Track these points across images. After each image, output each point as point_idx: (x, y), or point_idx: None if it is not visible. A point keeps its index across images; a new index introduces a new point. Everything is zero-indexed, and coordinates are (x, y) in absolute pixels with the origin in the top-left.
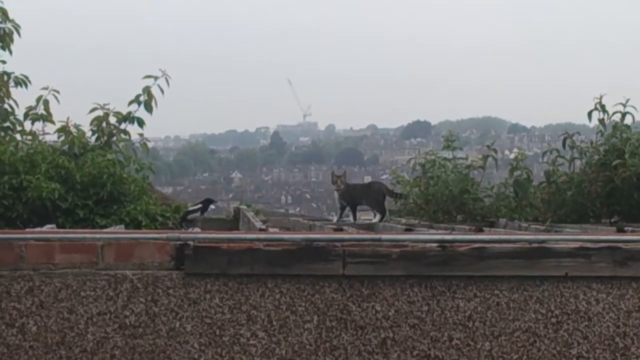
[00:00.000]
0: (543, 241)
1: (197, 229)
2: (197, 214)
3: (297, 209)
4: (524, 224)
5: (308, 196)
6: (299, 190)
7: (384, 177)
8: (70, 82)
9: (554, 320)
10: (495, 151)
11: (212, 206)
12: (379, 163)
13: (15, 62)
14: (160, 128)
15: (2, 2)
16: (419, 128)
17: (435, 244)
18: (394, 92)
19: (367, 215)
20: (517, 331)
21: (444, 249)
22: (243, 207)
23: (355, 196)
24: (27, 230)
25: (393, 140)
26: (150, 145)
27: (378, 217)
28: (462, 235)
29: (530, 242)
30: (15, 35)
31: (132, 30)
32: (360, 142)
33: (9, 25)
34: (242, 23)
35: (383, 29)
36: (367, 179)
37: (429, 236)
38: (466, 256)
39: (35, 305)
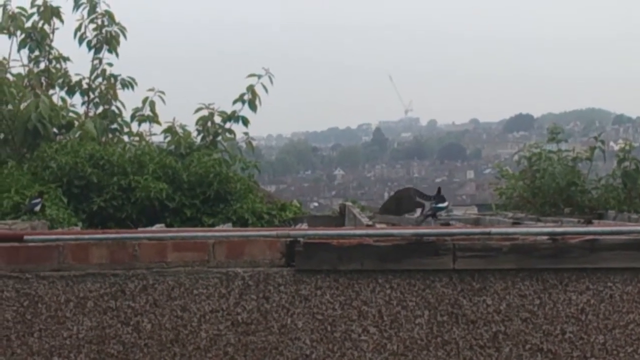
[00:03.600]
0: None
1: (304, 226)
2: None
3: None
4: (634, 216)
5: None
6: (401, 186)
7: (487, 171)
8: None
9: None
10: (603, 142)
11: None
12: (481, 157)
13: (121, 64)
14: (263, 126)
15: (108, 6)
16: (522, 121)
17: (546, 237)
18: (495, 85)
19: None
20: (631, 324)
21: (555, 242)
22: (349, 203)
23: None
24: (140, 229)
25: (495, 134)
26: (254, 143)
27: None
28: (573, 227)
29: None
30: (121, 39)
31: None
32: (463, 137)
33: (115, 28)
34: (343, 21)
35: (485, 26)
36: (470, 174)
37: (539, 229)
38: (578, 248)
39: (149, 304)
